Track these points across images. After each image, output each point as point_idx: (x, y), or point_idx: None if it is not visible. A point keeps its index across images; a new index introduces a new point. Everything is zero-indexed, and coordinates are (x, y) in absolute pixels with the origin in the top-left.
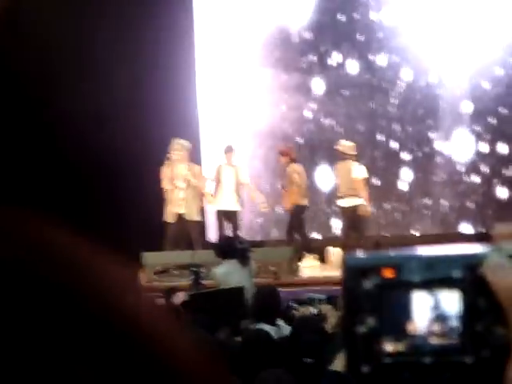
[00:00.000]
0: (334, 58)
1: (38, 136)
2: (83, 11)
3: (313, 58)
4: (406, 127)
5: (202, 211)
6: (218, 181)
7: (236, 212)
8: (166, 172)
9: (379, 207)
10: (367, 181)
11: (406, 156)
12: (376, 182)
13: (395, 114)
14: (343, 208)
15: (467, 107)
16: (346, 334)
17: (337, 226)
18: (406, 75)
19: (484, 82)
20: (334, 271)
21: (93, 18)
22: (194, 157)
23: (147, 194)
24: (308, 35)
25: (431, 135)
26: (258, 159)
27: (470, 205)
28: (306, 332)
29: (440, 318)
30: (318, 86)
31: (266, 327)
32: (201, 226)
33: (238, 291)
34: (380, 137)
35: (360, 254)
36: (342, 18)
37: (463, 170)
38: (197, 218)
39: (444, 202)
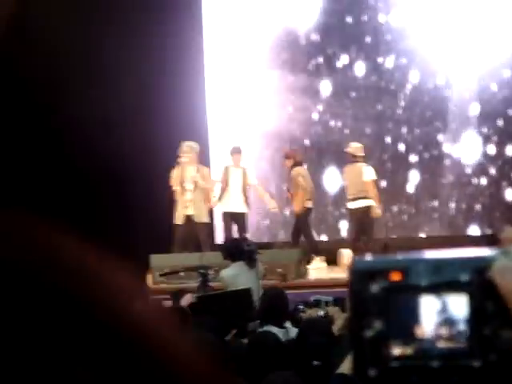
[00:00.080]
0: (342, 60)
1: (46, 142)
2: (91, 17)
3: (320, 59)
4: (413, 129)
5: (210, 213)
6: (225, 182)
7: (243, 214)
8: (175, 174)
9: (387, 209)
10: (376, 182)
11: (413, 158)
12: (383, 184)
13: (403, 117)
14: (352, 210)
15: (475, 109)
16: (353, 337)
17: (345, 228)
18: (413, 77)
19: (492, 84)
20: (342, 273)
21: (100, 24)
22: (203, 159)
23: (155, 198)
24: (315, 37)
25: (439, 137)
26: (265, 161)
27: (478, 207)
28: (313, 334)
29: (447, 321)
30: (326, 88)
31: (274, 329)
32: (209, 227)
33: (246, 293)
34: (387, 139)
35: (367, 257)
36: (349, 20)
37: (471, 172)
38: (206, 219)
39: (452, 205)
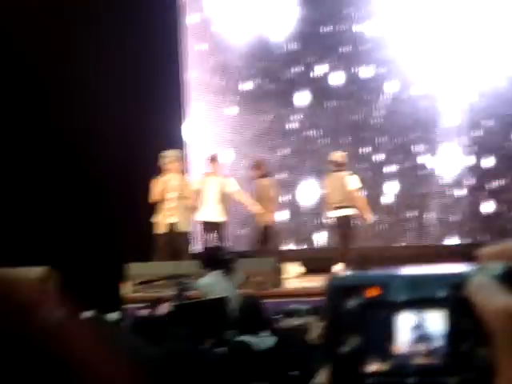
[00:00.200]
0: (320, 70)
1: (29, 154)
2: (73, 30)
3: (298, 69)
4: (391, 139)
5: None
6: (200, 191)
7: (220, 223)
8: (157, 183)
9: (362, 219)
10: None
11: (391, 168)
12: (361, 193)
13: (381, 126)
14: (335, 218)
15: (454, 120)
16: (329, 353)
17: (321, 237)
18: (392, 87)
19: (471, 95)
20: (320, 282)
21: (82, 36)
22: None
23: (136, 207)
24: (293, 46)
25: (417, 147)
26: (243, 170)
27: (455, 218)
28: (291, 344)
29: (424, 338)
30: (304, 97)
31: (250, 339)
32: (190, 237)
33: (222, 302)
34: (366, 149)
35: (344, 273)
36: (327, 29)
37: (448, 182)
38: (188, 228)
39: (429, 215)
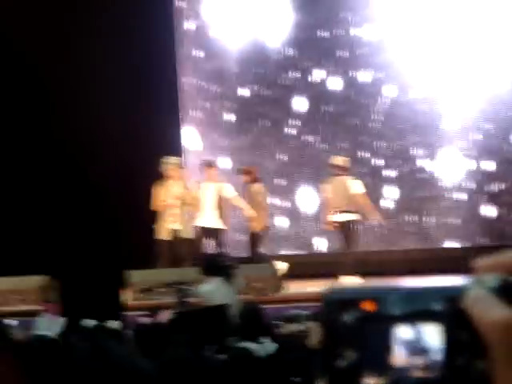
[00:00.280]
0: (318, 75)
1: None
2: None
3: (295, 74)
4: (390, 144)
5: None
6: (198, 198)
7: (218, 229)
8: (159, 190)
9: (364, 223)
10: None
11: (390, 172)
12: (366, 197)
13: (379, 131)
14: (338, 223)
15: (452, 123)
16: (326, 367)
17: (320, 243)
18: (390, 91)
19: (469, 98)
20: (321, 287)
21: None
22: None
23: (137, 214)
24: (290, 52)
25: (416, 152)
26: (240, 176)
27: (455, 221)
28: (291, 350)
29: (421, 351)
30: (301, 102)
31: (251, 345)
32: (192, 243)
33: (223, 309)
34: (364, 153)
35: (340, 286)
36: (324, 34)
37: (448, 186)
38: (190, 235)
39: (429, 219)
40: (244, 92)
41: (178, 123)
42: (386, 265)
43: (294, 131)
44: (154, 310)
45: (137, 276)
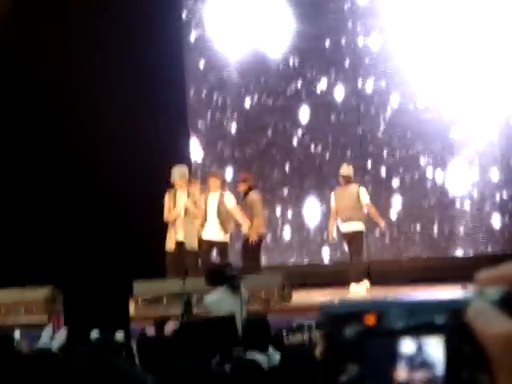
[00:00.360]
0: (321, 84)
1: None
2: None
3: (298, 84)
4: (394, 153)
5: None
6: (203, 208)
7: (221, 239)
8: (167, 200)
9: (369, 232)
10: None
11: (394, 181)
12: (372, 204)
13: (383, 140)
14: (347, 232)
15: (456, 132)
16: (329, 382)
17: (324, 253)
18: (393, 100)
19: (474, 106)
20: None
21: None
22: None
23: (144, 224)
24: (294, 61)
25: (420, 160)
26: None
27: (461, 230)
28: (297, 360)
29: (424, 364)
30: (304, 112)
31: (257, 356)
32: (197, 254)
33: (229, 319)
34: (368, 163)
35: (340, 300)
36: (327, 43)
37: (454, 194)
38: (196, 246)
39: (434, 228)
40: (247, 102)
41: (188, 133)
42: (393, 274)
43: (297, 141)
44: (159, 321)
45: (142, 287)
